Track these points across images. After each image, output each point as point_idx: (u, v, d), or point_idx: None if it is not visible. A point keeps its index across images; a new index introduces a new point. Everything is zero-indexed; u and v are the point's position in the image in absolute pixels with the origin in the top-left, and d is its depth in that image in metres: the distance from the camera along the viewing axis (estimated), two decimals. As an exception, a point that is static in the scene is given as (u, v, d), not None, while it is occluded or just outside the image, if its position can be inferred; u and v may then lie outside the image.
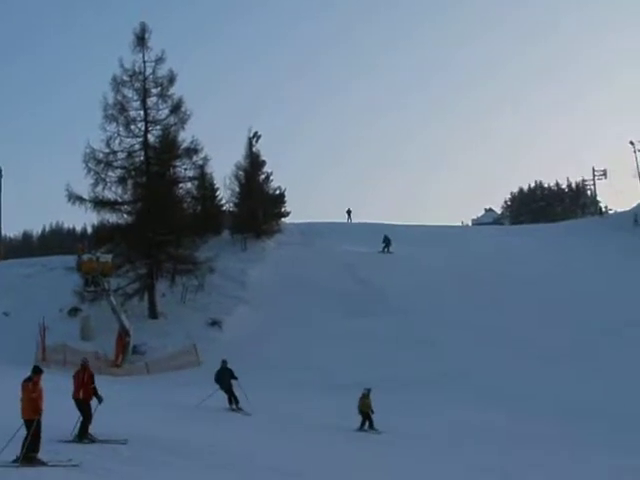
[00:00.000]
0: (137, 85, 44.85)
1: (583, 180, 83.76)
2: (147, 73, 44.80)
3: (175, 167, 46.27)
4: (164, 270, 44.51)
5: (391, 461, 18.16)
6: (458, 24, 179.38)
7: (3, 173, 60.46)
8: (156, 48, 45.00)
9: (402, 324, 39.23)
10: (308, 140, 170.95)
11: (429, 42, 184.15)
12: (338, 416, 24.48)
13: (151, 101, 45.11)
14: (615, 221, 62.75)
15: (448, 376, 32.41)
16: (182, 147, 45.61)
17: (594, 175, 75.27)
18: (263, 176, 57.94)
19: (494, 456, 19.86)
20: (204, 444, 17.10)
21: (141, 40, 44.69)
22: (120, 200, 44.77)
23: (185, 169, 46.11)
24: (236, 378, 25.16)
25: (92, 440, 16.06)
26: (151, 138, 45.23)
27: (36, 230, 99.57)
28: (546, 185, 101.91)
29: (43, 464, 13.44)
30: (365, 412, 23.19)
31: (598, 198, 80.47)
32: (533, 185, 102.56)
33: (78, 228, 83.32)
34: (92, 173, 43.82)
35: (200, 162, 46.03)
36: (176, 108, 45.12)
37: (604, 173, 74.53)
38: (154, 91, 45.13)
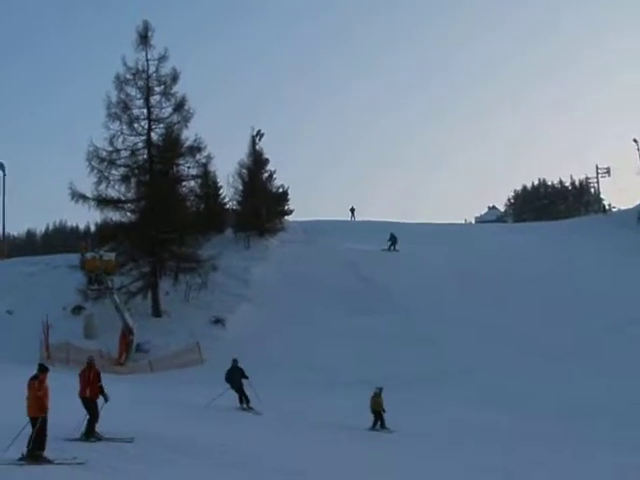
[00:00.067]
0: (140, 83, 44.90)
1: (587, 178, 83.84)
2: (150, 71, 44.87)
3: (178, 165, 46.33)
4: (167, 268, 44.55)
5: (395, 459, 18.15)
6: (458, 24, 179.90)
7: (7, 172, 60.45)
8: (159, 46, 45.11)
9: (405, 322, 39.25)
10: (312, 138, 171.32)
11: (430, 42, 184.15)
12: (343, 414, 24.51)
13: (154, 99, 45.20)
14: (619, 219, 62.65)
15: (450, 374, 32.44)
16: (185, 145, 45.66)
17: (597, 173, 75.28)
18: (266, 174, 57.95)
19: (497, 455, 19.87)
20: (210, 443, 17.14)
21: (144, 38, 44.73)
22: (123, 198, 44.85)
23: (188, 167, 46.24)
24: (247, 377, 25.00)
25: (99, 438, 16.11)
26: (154, 136, 45.32)
27: (39, 228, 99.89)
28: (549, 183, 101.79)
29: (49, 462, 13.49)
30: (377, 411, 23.05)
31: (602, 196, 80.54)
32: (536, 183, 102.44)
33: (81, 226, 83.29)
34: (95, 171, 43.93)
35: (203, 160, 46.18)
36: (179, 106, 45.16)
37: (608, 171, 74.56)
38: (157, 89, 45.19)
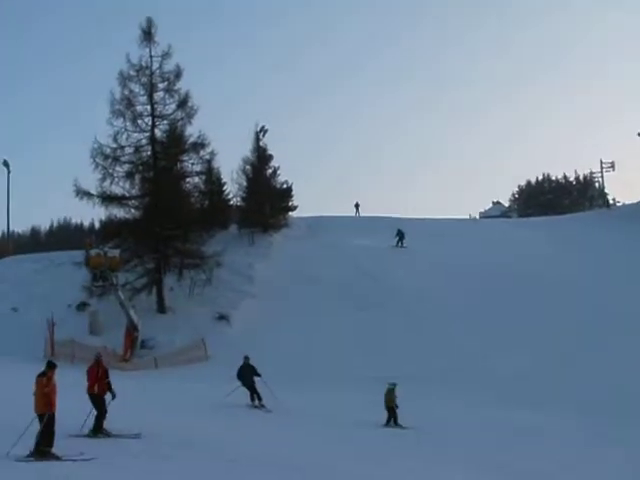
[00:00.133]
0: (144, 80, 44.86)
1: (591, 172, 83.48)
2: (154, 68, 44.86)
3: (182, 162, 46.34)
4: (172, 265, 44.57)
5: (401, 456, 18.11)
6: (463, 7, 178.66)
7: (11, 168, 60.50)
8: (163, 43, 45.10)
9: (411, 318, 39.19)
10: (314, 134, 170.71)
11: (429, 35, 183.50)
12: (353, 410, 24.47)
13: (158, 96, 45.14)
14: (624, 213, 62.66)
15: (456, 370, 32.45)
16: (189, 142, 45.67)
17: (602, 167, 74.97)
18: (270, 170, 57.92)
19: (504, 451, 19.85)
20: (217, 439, 17.13)
21: (148, 35, 44.70)
22: (128, 195, 44.84)
23: (192, 164, 46.24)
24: (259, 375, 24.76)
25: (107, 435, 16.14)
26: (158, 133, 45.29)
27: (44, 225, 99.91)
28: (554, 178, 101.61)
29: (57, 459, 13.53)
30: (390, 407, 22.88)
31: (606, 190, 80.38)
32: (541, 178, 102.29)
33: (86, 223, 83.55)
34: (100, 168, 43.93)
35: (207, 156, 46.18)
36: (183, 103, 45.15)
37: (612, 165, 74.24)
38: (161, 86, 45.16)
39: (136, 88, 44.93)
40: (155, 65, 44.77)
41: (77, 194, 43.43)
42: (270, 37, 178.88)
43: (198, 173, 46.96)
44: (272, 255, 50.40)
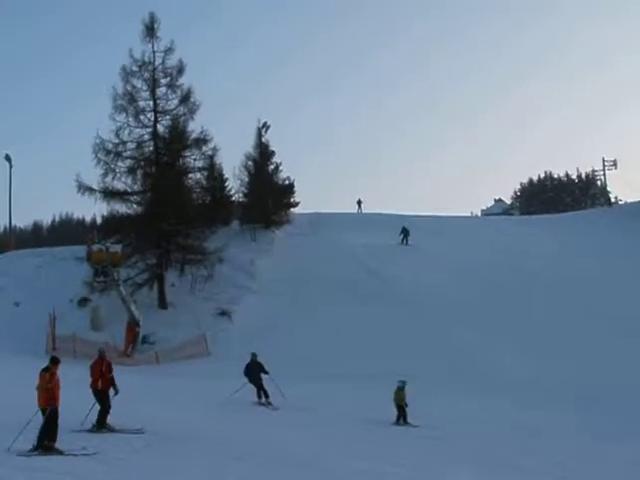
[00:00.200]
0: (146, 75, 44.95)
1: (593, 170, 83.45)
2: (156, 63, 44.90)
3: (184, 157, 46.41)
4: (173, 260, 44.66)
5: (403, 454, 18.10)
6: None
7: (13, 163, 60.49)
8: (165, 38, 45.16)
9: (412, 316, 39.10)
10: (316, 130, 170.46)
11: (428, 29, 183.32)
12: (358, 408, 24.46)
13: (160, 91, 45.28)
14: (625, 211, 62.66)
15: (457, 368, 32.40)
16: (191, 137, 45.80)
17: (604, 165, 74.93)
18: (272, 166, 57.88)
19: (507, 448, 19.86)
20: (222, 436, 17.08)
21: (150, 30, 44.78)
22: (130, 190, 44.97)
23: (194, 159, 46.40)
24: (267, 372, 24.49)
25: (111, 430, 16.16)
26: (160, 128, 45.42)
27: (46, 220, 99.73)
28: (556, 176, 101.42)
29: (60, 453, 13.54)
30: (400, 405, 22.71)
31: (608, 188, 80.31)
32: (543, 176, 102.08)
33: (88, 219, 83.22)
34: (102, 163, 44.06)
35: (209, 152, 46.40)
36: (185, 98, 45.21)
37: (614, 163, 74.18)
38: (163, 81, 45.29)
39: (139, 83, 45.14)
40: (158, 60, 44.99)
41: (79, 189, 43.61)
42: (272, 34, 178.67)
43: (200, 169, 47.14)
44: (274, 251, 50.39)
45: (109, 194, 44.12)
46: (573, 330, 36.70)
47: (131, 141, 44.83)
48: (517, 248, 50.78)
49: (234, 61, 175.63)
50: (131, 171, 44.80)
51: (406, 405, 22.73)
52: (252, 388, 24.40)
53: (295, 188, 58.67)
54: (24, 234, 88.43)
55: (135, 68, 44.82)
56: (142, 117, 44.97)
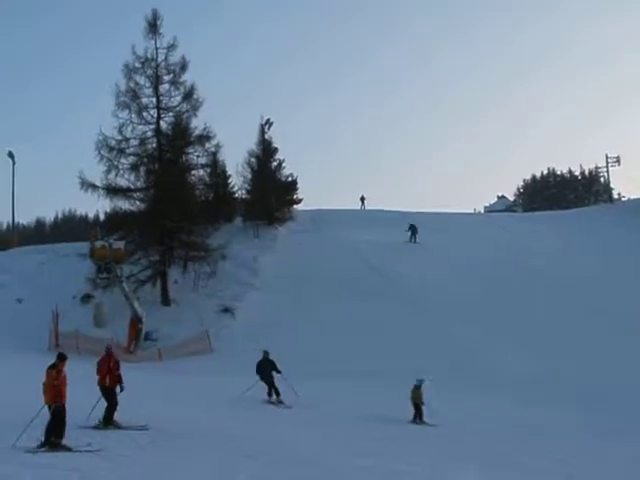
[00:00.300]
0: (149, 72, 44.90)
1: (596, 167, 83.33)
2: (159, 60, 44.87)
3: (187, 154, 46.35)
4: (176, 257, 44.65)
5: (408, 451, 18.08)
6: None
7: (16, 160, 60.51)
8: (168, 35, 45.12)
9: (417, 313, 39.10)
10: (319, 127, 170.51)
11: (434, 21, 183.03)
12: (357, 405, 24.50)
13: (163, 88, 45.22)
14: (628, 208, 62.61)
15: (460, 366, 32.38)
16: (194, 134, 45.73)
17: (607, 162, 74.80)
18: (275, 163, 57.83)
19: (510, 445, 19.86)
20: (231, 433, 17.07)
21: (153, 27, 44.73)
22: (132, 187, 44.90)
23: (197, 156, 46.33)
24: (279, 372, 24.28)
25: (117, 427, 16.17)
26: (163, 125, 45.39)
27: (49, 217, 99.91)
28: (559, 172, 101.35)
29: (68, 450, 13.55)
30: (416, 404, 22.67)
31: (611, 185, 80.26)
32: (546, 172, 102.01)
33: (91, 215, 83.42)
34: (105, 160, 44.01)
35: (212, 149, 46.36)
36: (188, 95, 45.17)
37: (617, 160, 74.06)
38: (166, 78, 45.22)
39: (141, 80, 45.07)
40: (160, 57, 44.93)
41: (82, 186, 43.56)
42: (274, 31, 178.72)
43: (203, 166, 47.08)
44: (277, 248, 50.37)
45: (112, 191, 44.09)
46: (575, 327, 36.70)
47: (134, 138, 44.82)
48: (520, 245, 50.73)
49: (237, 58, 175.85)
50: (134, 168, 44.79)
51: (422, 403, 22.68)
52: (263, 386, 24.27)
53: (298, 185, 58.70)
54: (27, 231, 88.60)
55: (138, 65, 44.81)
56: (145, 114, 44.97)
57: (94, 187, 43.65)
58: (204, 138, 45.44)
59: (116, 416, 16.39)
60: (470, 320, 38.05)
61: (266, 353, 24.85)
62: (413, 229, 51.77)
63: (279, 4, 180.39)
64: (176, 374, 31.16)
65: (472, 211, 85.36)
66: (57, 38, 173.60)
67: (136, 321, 38.84)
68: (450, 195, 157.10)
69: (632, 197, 71.11)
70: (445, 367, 31.80)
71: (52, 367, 14.08)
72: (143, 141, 45.03)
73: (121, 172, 44.28)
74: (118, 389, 16.49)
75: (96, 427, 15.99)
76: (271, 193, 55.39)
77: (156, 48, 44.71)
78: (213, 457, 14.17)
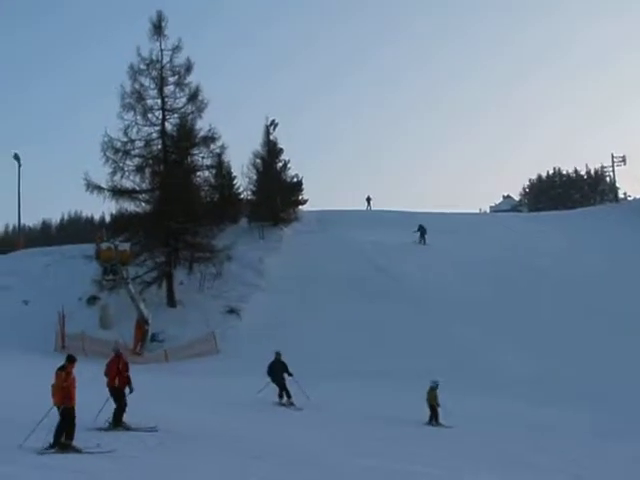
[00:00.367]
0: (154, 73, 44.95)
1: (602, 166, 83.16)
2: (164, 61, 44.91)
3: (192, 155, 46.39)
4: (182, 258, 44.70)
5: (414, 451, 18.08)
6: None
7: (22, 162, 60.64)
8: (173, 37, 45.17)
9: (421, 313, 39.09)
10: (324, 128, 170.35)
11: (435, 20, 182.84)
12: (363, 405, 24.51)
13: (168, 89, 45.26)
14: (634, 207, 62.57)
15: (464, 366, 32.36)
16: (199, 135, 45.78)
17: (613, 161, 74.67)
18: (280, 164, 57.85)
19: (512, 445, 19.85)
20: (240, 435, 17.07)
21: (158, 29, 44.78)
22: (138, 189, 44.96)
23: (202, 157, 46.35)
24: (291, 374, 24.14)
25: (127, 428, 16.19)
26: (168, 126, 45.42)
27: (55, 219, 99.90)
28: (565, 172, 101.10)
29: (78, 451, 13.58)
30: (432, 405, 22.61)
31: (617, 184, 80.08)
32: (551, 172, 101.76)
33: (96, 217, 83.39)
34: (110, 162, 44.06)
35: (217, 150, 46.34)
36: (193, 96, 45.22)
37: (623, 159, 73.94)
38: (171, 79, 45.26)
39: (146, 82, 45.13)
40: (165, 59, 44.98)
41: (87, 188, 43.65)
42: (275, 33, 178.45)
43: (208, 167, 47.14)
44: (282, 249, 50.36)
45: (117, 192, 44.15)
46: (576, 328, 36.76)
47: (139, 139, 44.88)
48: (526, 245, 50.67)
49: (241, 59, 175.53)
50: (139, 169, 44.84)
51: (438, 405, 22.62)
52: (274, 388, 24.14)
53: (303, 186, 58.71)
54: (33, 233, 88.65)
55: (143, 66, 44.86)
56: (150, 115, 45.02)
57: (100, 189, 43.75)
58: (209, 139, 45.49)
59: (125, 417, 16.41)
60: (474, 320, 38.05)
61: (278, 354, 24.57)
62: (422, 230, 51.59)
63: (280, 5, 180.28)
64: (182, 375, 31.20)
65: (478, 211, 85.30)
66: (63, 39, 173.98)
67: (142, 322, 38.90)
68: (454, 195, 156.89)
69: (638, 197, 71.30)
70: (454, 367, 31.66)
71: (61, 369, 14.10)
72: (148, 143, 45.08)
73: (126, 174, 44.40)
74: (127, 390, 16.52)
75: (105, 429, 16.02)
76: (276, 194, 55.40)
77: (161, 50, 44.79)
78: (221, 458, 14.19)
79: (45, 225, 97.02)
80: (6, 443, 13.48)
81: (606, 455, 19.43)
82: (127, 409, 16.48)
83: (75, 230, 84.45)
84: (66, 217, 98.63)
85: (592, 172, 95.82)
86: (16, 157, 60.09)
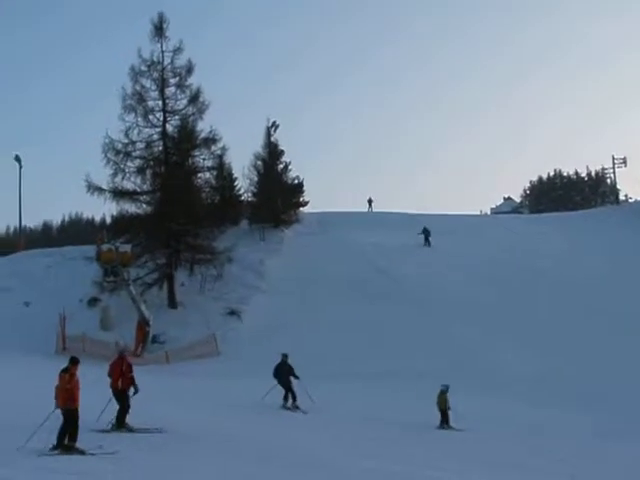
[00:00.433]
0: (155, 75, 44.99)
1: (603, 168, 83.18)
2: (165, 63, 44.94)
3: (194, 157, 46.43)
4: (183, 260, 44.70)
5: (413, 452, 18.08)
6: None
7: (23, 163, 60.64)
8: (174, 38, 45.19)
9: (422, 314, 39.09)
10: (325, 129, 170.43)
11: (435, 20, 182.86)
12: (364, 406, 24.52)
13: (169, 91, 45.32)
14: (635, 209, 62.58)
15: (464, 367, 32.34)
16: (200, 137, 45.77)
17: (614, 163, 74.67)
18: (281, 166, 57.88)
19: (511, 446, 19.85)
20: (245, 437, 17.05)
21: (159, 30, 44.81)
22: (139, 190, 45.00)
23: (203, 159, 46.39)
24: (297, 377, 23.91)
25: (130, 430, 16.19)
26: (169, 128, 45.44)
27: (55, 220, 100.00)
28: (565, 174, 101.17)
29: (82, 453, 13.57)
30: (442, 409, 22.55)
31: (618, 186, 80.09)
32: (552, 174, 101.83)
33: (97, 218, 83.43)
34: (111, 163, 44.11)
35: (218, 152, 46.37)
36: (194, 98, 45.23)
37: (624, 161, 73.96)
38: (172, 81, 45.31)
39: (148, 83, 45.18)
40: (166, 60, 45.02)
41: (88, 189, 43.68)
42: (277, 33, 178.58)
43: (209, 168, 47.14)
44: (283, 251, 50.37)
45: (118, 194, 44.17)
46: (576, 328, 36.87)
47: (140, 141, 44.90)
48: (526, 246, 50.68)
49: (241, 61, 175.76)
50: (140, 171, 44.87)
51: (449, 409, 22.57)
52: (280, 390, 24.02)
53: (304, 187, 58.73)
54: (34, 234, 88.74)
55: (144, 68, 44.89)
56: (151, 117, 45.05)
57: (101, 190, 43.76)
58: (210, 141, 45.51)
59: (128, 419, 16.42)
60: (476, 321, 38.10)
61: (284, 356, 24.36)
62: (426, 233, 51.52)
63: (280, 6, 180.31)
64: (183, 377, 31.21)
65: (478, 213, 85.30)
66: (64, 40, 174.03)
67: (143, 324, 38.90)
68: (455, 196, 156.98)
69: (639, 198, 71.12)
70: (454, 368, 31.62)
71: (65, 371, 14.07)
72: (149, 144, 45.10)
73: (127, 175, 44.44)
74: (131, 392, 16.52)
75: (109, 430, 16.02)
76: (277, 196, 55.43)
77: (162, 51, 44.83)
78: (223, 460, 14.17)
79: (46, 226, 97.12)
80: (6, 445, 13.44)
81: (606, 456, 19.46)
82: (130, 411, 16.47)
83: (76, 231, 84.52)
84: (67, 218, 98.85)
85: (593, 174, 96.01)
86: (17, 158, 60.10)
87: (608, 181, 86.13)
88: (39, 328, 38.47)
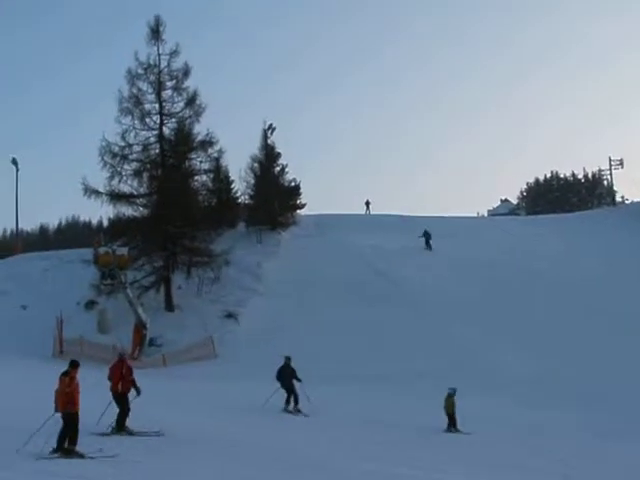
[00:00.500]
0: (152, 78, 44.92)
1: (599, 170, 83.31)
2: (162, 66, 44.92)
3: (190, 160, 46.36)
4: (180, 263, 44.63)
5: (413, 455, 18.06)
6: None
7: (20, 167, 60.57)
8: (170, 41, 45.19)
9: (420, 317, 39.06)
10: (321, 132, 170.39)
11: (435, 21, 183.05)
12: (363, 409, 24.53)
13: (166, 94, 45.22)
14: (631, 211, 62.65)
15: (464, 368, 32.33)
16: (197, 140, 45.72)
17: (610, 165, 74.76)
18: (278, 168, 57.89)
19: (510, 447, 19.86)
20: (246, 440, 17.02)
21: (156, 33, 44.79)
22: (136, 193, 44.89)
23: (200, 162, 46.29)
24: (299, 380, 23.86)
25: (130, 433, 16.17)
26: (166, 131, 45.35)
27: (52, 224, 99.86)
28: (562, 175, 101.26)
29: (81, 456, 13.55)
30: (450, 413, 22.45)
31: (615, 188, 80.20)
32: (549, 175, 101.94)
33: (94, 221, 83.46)
34: (108, 166, 44.00)
35: (215, 154, 46.25)
36: (191, 101, 45.20)
37: (621, 163, 73.99)
38: (169, 84, 45.25)
39: (144, 86, 45.06)
40: (163, 63, 44.95)
41: (85, 192, 43.56)
42: (275, 34, 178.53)
43: (206, 171, 47.05)
44: (280, 253, 50.34)
45: (115, 197, 44.10)
46: (575, 328, 36.87)
47: (137, 144, 44.82)
48: (523, 248, 50.69)
49: (238, 63, 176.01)
50: (137, 174, 44.81)
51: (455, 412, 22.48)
52: (282, 393, 23.93)
53: (301, 190, 58.75)
54: (31, 237, 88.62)
55: (141, 71, 44.83)
56: (148, 120, 44.99)
57: (97, 193, 43.68)
58: (207, 144, 45.46)
59: (128, 422, 16.40)
60: (472, 322, 38.12)
61: (287, 359, 24.28)
62: (427, 236, 51.37)
63: (280, 6, 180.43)
64: (180, 380, 31.16)
65: (476, 215, 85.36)
66: (61, 43, 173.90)
67: (140, 327, 38.87)
68: (453, 198, 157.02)
69: (635, 200, 71.32)
70: (454, 369, 31.63)
71: (65, 374, 14.03)
72: (146, 147, 45.06)
73: (124, 178, 44.32)
74: (132, 395, 16.50)
75: (109, 433, 15.99)
76: (274, 198, 55.41)
77: (159, 54, 44.77)
78: (220, 463, 14.16)
79: (43, 230, 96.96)
80: (4, 449, 13.42)
81: (606, 456, 19.48)
82: (130, 414, 16.45)
83: (73, 234, 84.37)
84: (64, 222, 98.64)
85: (590, 176, 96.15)
86: (14, 161, 60.06)
87: (605, 183, 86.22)
88: (36, 331, 38.44)
